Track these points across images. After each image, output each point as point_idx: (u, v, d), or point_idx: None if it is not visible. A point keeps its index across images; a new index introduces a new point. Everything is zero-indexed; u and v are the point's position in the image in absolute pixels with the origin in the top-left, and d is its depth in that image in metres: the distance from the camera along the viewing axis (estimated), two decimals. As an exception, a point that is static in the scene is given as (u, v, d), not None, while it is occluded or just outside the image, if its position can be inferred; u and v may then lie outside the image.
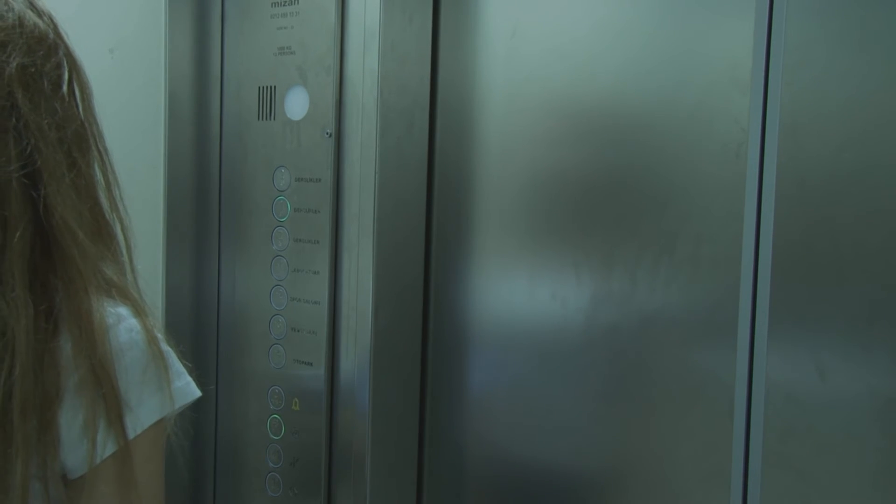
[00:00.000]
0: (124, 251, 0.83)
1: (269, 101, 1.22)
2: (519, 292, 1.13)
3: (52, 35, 0.79)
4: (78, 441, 0.75)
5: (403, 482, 1.20)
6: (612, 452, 1.08)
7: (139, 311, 0.80)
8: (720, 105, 0.98)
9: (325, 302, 1.18)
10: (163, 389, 0.79)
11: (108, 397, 0.75)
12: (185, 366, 0.83)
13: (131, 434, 0.77)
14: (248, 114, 1.24)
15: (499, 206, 1.15)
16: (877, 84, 0.89)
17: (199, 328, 1.31)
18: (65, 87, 0.79)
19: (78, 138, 0.79)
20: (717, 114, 0.98)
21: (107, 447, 0.75)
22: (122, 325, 0.78)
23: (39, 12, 0.79)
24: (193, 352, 1.30)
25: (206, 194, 1.29)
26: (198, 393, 0.83)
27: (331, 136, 1.16)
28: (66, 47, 0.81)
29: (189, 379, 0.83)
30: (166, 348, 0.81)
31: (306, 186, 1.19)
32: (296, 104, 1.19)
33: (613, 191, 1.06)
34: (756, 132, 0.95)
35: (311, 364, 1.19)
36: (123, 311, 0.79)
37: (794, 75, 0.93)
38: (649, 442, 1.05)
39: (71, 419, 0.75)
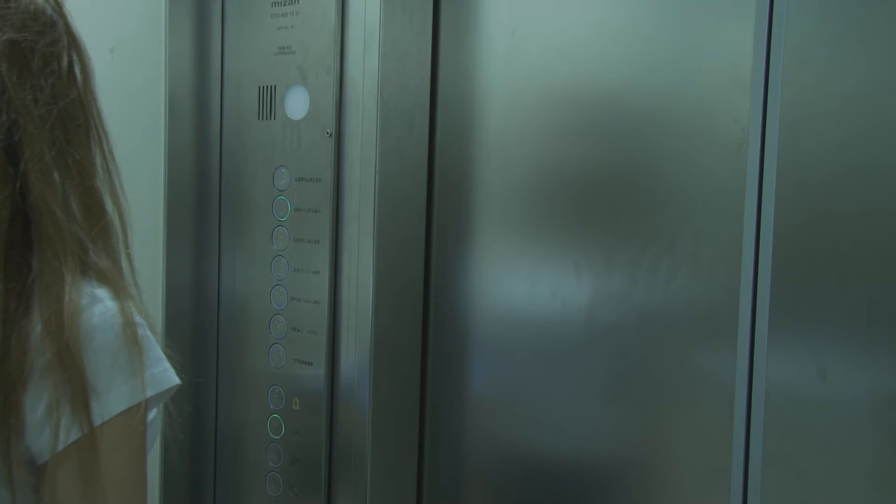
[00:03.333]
0: (119, 235, 0.80)
1: (269, 100, 1.22)
2: (519, 292, 1.13)
3: (49, 11, 0.77)
4: (42, 426, 0.72)
5: (403, 482, 1.20)
6: (612, 452, 1.08)
7: (119, 294, 0.76)
8: (720, 104, 0.98)
9: (325, 301, 1.17)
10: (135, 376, 0.75)
11: (73, 381, 0.71)
12: (166, 354, 0.79)
13: (97, 421, 0.73)
14: (249, 113, 1.24)
15: (499, 205, 1.15)
16: (877, 84, 0.89)
17: (200, 328, 1.31)
18: (60, 64, 0.77)
19: (67, 117, 0.76)
20: (717, 113, 0.98)
21: (71, 433, 0.72)
22: (97, 307, 0.74)
23: None
24: (194, 351, 1.30)
25: (206, 194, 1.29)
26: (176, 380, 0.79)
27: (331, 135, 1.16)
28: (67, 25, 0.78)
29: (168, 366, 0.78)
30: (145, 333, 0.77)
31: (306, 186, 1.18)
32: (296, 104, 1.19)
33: (613, 191, 1.06)
34: (756, 132, 0.95)
35: (311, 364, 1.19)
36: (102, 293, 0.75)
37: (794, 75, 0.93)
38: (649, 441, 1.05)
39: (36, 402, 0.72)
